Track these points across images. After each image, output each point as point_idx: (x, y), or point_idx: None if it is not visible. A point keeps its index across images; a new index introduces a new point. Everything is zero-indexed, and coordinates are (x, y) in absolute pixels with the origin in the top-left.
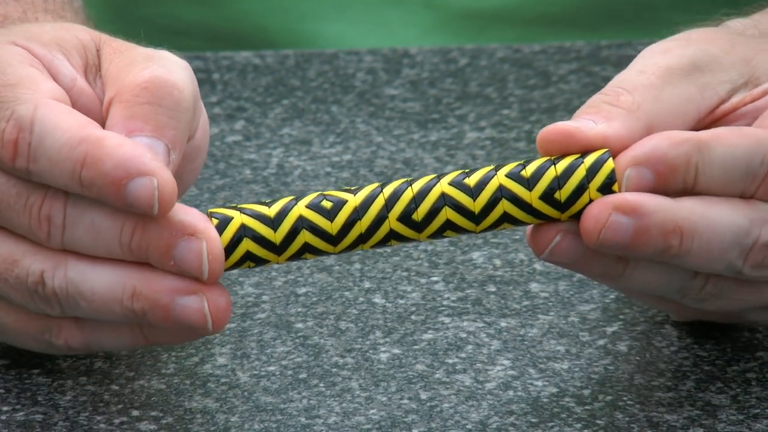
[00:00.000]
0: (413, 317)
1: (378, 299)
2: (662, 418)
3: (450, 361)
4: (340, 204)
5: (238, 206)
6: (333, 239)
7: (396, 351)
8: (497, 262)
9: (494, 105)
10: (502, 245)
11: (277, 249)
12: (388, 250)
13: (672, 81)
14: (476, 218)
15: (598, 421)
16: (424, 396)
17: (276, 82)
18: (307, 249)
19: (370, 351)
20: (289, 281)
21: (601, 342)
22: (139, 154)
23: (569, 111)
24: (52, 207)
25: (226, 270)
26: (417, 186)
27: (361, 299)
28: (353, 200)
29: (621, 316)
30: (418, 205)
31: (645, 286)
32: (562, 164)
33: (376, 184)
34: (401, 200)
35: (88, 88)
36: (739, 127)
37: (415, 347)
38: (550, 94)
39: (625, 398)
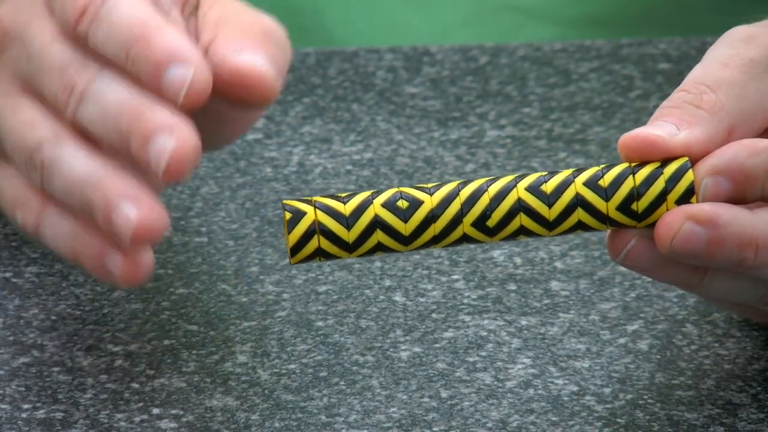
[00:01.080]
0: (434, 315)
1: (398, 297)
2: (683, 416)
3: (470, 359)
4: (416, 204)
5: (312, 199)
6: (406, 240)
7: (416, 349)
8: (518, 260)
9: (515, 103)
10: (523, 243)
11: (350, 247)
12: None
13: (755, 75)
14: (550, 225)
15: (619, 420)
16: (444, 394)
17: (296, 80)
18: (378, 248)
19: (391, 349)
20: (309, 279)
21: (621, 340)
22: (189, 47)
23: (590, 109)
24: (80, 76)
25: (296, 263)
26: (494, 189)
27: (381, 297)
28: (429, 201)
29: (641, 315)
30: (493, 210)
31: (725, 294)
32: (641, 174)
33: (454, 183)
34: (477, 205)
35: (182, 22)
36: None
37: (436, 345)
38: (571, 93)
39: (645, 397)
